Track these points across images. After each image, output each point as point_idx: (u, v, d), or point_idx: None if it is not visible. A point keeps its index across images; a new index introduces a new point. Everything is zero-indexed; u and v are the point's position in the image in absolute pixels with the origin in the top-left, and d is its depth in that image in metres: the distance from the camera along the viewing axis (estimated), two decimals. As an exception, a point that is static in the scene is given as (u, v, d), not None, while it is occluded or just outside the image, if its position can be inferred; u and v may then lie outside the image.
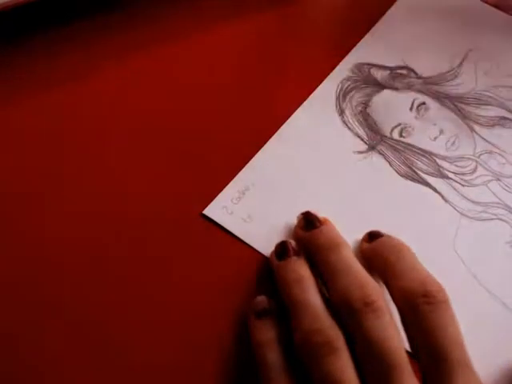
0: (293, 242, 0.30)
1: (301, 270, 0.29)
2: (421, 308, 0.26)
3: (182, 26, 0.40)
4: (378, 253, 0.30)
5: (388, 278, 0.29)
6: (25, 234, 0.31)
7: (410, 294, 0.27)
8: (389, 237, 0.31)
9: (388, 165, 0.35)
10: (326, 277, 0.29)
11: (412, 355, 0.26)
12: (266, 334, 0.28)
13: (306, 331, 0.26)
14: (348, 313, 0.27)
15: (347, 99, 0.38)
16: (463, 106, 0.38)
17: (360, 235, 0.32)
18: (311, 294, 0.28)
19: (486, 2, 0.44)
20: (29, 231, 0.31)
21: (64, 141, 0.34)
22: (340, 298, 0.27)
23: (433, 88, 0.39)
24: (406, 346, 0.27)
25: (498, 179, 0.35)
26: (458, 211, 0.34)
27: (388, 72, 0.40)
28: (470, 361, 0.26)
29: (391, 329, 0.26)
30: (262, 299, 0.29)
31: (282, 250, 0.30)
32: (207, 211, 0.32)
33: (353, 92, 0.38)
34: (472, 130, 0.37)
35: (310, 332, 0.26)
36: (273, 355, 0.27)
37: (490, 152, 0.36)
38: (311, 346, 0.26)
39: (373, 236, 0.31)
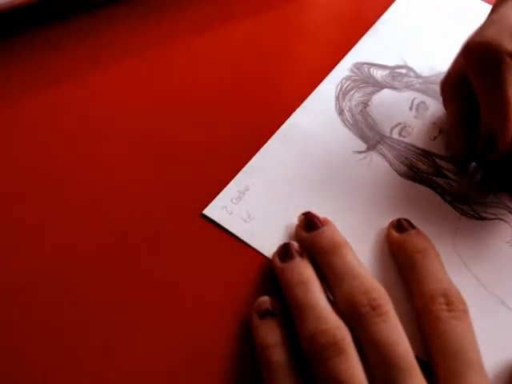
0: (295, 244, 0.30)
1: (305, 271, 0.29)
2: (441, 314, 0.27)
3: (181, 27, 0.40)
4: (404, 248, 0.31)
5: (410, 279, 0.30)
6: (21, 235, 0.31)
7: (431, 302, 0.28)
8: (417, 232, 0.31)
9: (388, 164, 0.35)
10: (330, 281, 0.29)
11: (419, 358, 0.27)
12: (270, 334, 0.27)
13: (312, 332, 0.26)
14: (354, 317, 0.27)
15: (347, 99, 0.38)
16: (463, 105, 0.38)
17: (359, 235, 0.32)
18: (316, 296, 0.28)
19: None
20: (24, 232, 0.31)
21: (63, 139, 0.34)
22: (346, 303, 0.28)
23: (432, 87, 0.39)
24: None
25: (498, 179, 0.35)
26: (457, 211, 0.34)
27: (387, 71, 0.40)
28: (483, 364, 0.26)
29: (398, 332, 0.27)
30: (264, 300, 0.29)
31: (285, 251, 0.30)
32: (207, 211, 0.32)
33: (352, 91, 0.38)
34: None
35: (316, 333, 0.26)
36: (277, 356, 0.26)
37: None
38: (318, 347, 0.26)
39: (402, 227, 0.31)
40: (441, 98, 0.38)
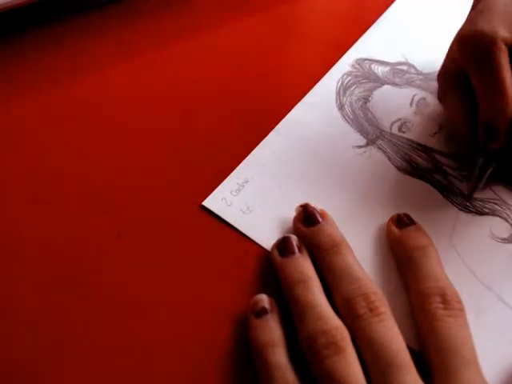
0: (295, 238, 0.30)
1: (305, 269, 0.29)
2: (437, 312, 0.28)
3: (182, 26, 0.40)
4: (403, 244, 0.31)
5: (408, 277, 0.30)
6: (21, 233, 0.31)
7: (428, 301, 0.28)
8: (417, 228, 0.31)
9: (387, 159, 0.36)
10: (329, 281, 0.29)
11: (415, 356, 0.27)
12: (267, 334, 0.27)
13: (312, 332, 0.27)
14: (352, 317, 0.27)
15: (347, 94, 0.38)
16: (463, 102, 0.38)
17: (358, 229, 0.32)
18: (317, 296, 0.28)
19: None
20: (24, 229, 0.31)
21: (64, 135, 0.35)
22: (344, 305, 0.28)
23: (433, 84, 0.39)
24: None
25: (496, 175, 0.35)
26: (455, 206, 0.34)
27: (388, 68, 0.40)
28: (478, 361, 0.27)
29: (394, 331, 0.27)
30: (260, 298, 0.29)
31: (284, 245, 0.30)
32: (206, 203, 0.33)
33: (353, 87, 0.38)
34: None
35: (316, 333, 0.26)
36: (275, 356, 0.27)
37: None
38: (317, 346, 0.26)
39: (402, 222, 0.32)
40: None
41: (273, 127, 0.36)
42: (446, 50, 0.41)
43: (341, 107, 0.37)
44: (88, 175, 0.33)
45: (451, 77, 0.35)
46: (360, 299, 0.27)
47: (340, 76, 0.39)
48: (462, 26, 0.32)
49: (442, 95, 0.37)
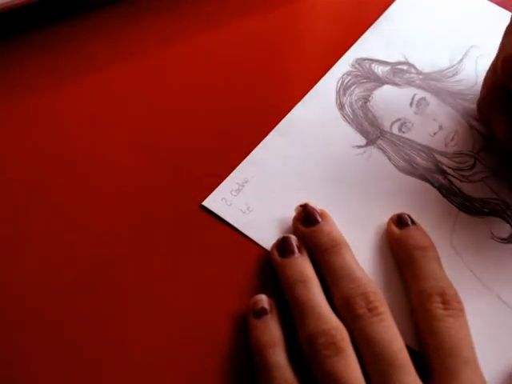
0: (295, 238, 0.30)
1: (305, 269, 0.29)
2: (437, 312, 0.28)
3: (182, 26, 0.40)
4: (404, 244, 0.31)
5: (409, 276, 0.30)
6: (21, 233, 0.31)
7: (428, 300, 0.28)
8: (417, 228, 0.31)
9: (387, 159, 0.36)
10: (328, 281, 0.29)
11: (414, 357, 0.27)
12: (267, 334, 0.27)
13: (311, 332, 0.27)
14: (351, 317, 0.27)
15: (347, 94, 0.38)
16: (463, 102, 0.38)
17: (358, 229, 0.32)
18: (316, 295, 0.28)
19: None
20: (27, 230, 0.31)
21: (64, 135, 0.35)
22: (343, 305, 0.28)
23: (433, 84, 0.39)
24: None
25: (496, 175, 0.36)
26: (455, 206, 0.34)
27: (388, 67, 0.40)
28: (478, 361, 0.27)
29: (393, 331, 0.27)
30: (259, 298, 0.29)
31: (283, 245, 0.30)
32: (206, 202, 0.33)
33: (353, 87, 0.38)
34: (471, 126, 0.38)
35: (316, 333, 0.27)
36: (275, 356, 0.27)
37: (489, 148, 0.37)
38: (317, 346, 0.26)
39: (402, 222, 0.32)
40: (441, 95, 0.38)
41: (273, 127, 0.36)
42: (446, 50, 0.41)
43: (341, 107, 0.37)
44: (88, 175, 0.33)
45: (494, 100, 0.35)
46: (359, 299, 0.28)
47: (340, 76, 0.39)
48: (504, 49, 0.33)
49: (485, 118, 0.36)
